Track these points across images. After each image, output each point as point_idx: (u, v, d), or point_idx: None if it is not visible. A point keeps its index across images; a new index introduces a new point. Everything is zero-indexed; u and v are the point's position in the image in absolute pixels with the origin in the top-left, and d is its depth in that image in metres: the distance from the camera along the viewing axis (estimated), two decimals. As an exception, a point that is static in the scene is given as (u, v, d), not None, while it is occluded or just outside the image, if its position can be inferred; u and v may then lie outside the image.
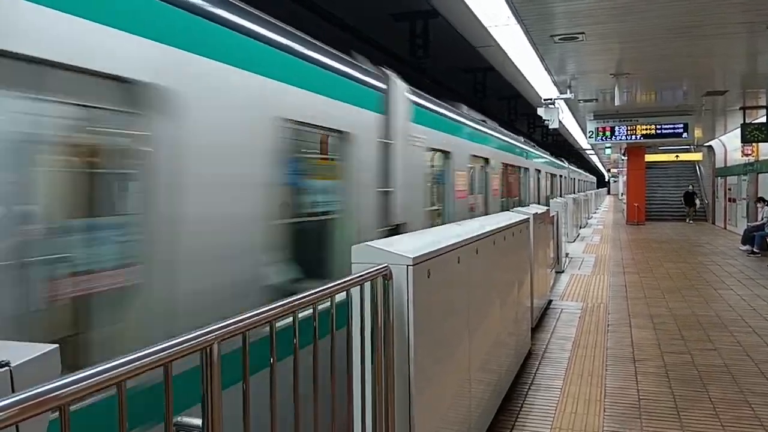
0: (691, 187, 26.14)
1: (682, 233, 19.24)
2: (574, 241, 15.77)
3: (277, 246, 3.21)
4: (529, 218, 5.79)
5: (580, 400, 4.40)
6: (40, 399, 1.00)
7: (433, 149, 6.19)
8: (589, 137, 16.26)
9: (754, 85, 11.60)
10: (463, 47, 8.14)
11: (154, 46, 2.32)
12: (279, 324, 1.73)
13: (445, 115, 6.74)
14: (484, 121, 9.33)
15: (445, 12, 6.73)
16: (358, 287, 2.27)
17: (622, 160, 28.67)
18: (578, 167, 36.65)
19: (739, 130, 15.06)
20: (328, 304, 2.04)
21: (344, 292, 2.16)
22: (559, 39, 7.62)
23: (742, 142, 15.74)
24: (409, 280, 2.45)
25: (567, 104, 13.15)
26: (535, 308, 6.16)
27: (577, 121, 17.48)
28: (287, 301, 1.78)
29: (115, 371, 1.15)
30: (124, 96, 2.25)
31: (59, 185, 2.30)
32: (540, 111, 11.40)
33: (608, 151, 25.11)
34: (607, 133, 15.66)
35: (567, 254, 12.35)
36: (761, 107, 14.32)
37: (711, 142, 23.50)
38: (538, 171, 14.99)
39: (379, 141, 4.51)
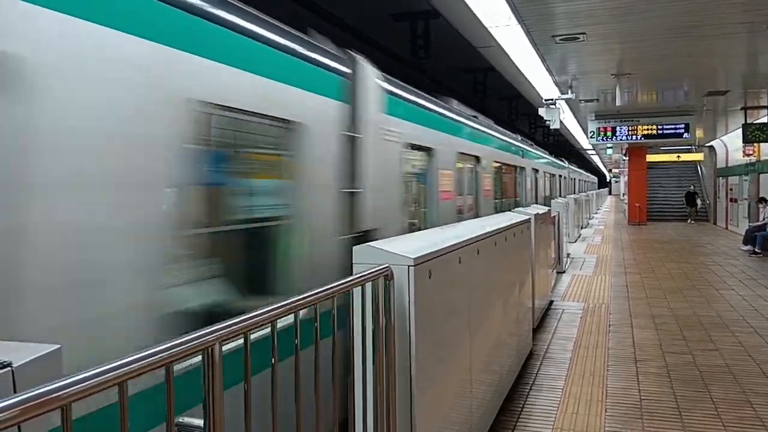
0: (692, 188, 26.10)
1: (684, 233, 19.21)
2: (575, 242, 15.76)
3: (189, 261, 2.65)
4: (530, 218, 5.79)
5: (581, 401, 4.40)
6: (42, 399, 1.00)
7: (413, 145, 5.43)
8: (591, 137, 16.27)
9: (755, 85, 11.59)
10: (463, 47, 8.14)
11: None
12: (279, 325, 1.73)
13: (427, 108, 5.97)
14: (475, 116, 8.77)
15: (446, 12, 6.73)
16: (360, 287, 2.28)
17: (624, 160, 28.61)
18: (579, 167, 36.57)
19: (740, 130, 15.06)
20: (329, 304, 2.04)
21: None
22: (560, 39, 7.62)
23: (743, 143, 15.74)
24: (410, 280, 2.45)
25: (568, 104, 13.15)
26: (536, 309, 6.15)
27: (578, 122, 17.48)
28: (288, 301, 1.78)
29: (116, 372, 1.15)
30: None
31: None
32: (541, 111, 11.41)
33: (609, 151, 25.11)
34: (609, 134, 15.68)
35: (568, 254, 12.35)
36: (762, 107, 14.32)
37: (712, 142, 23.49)
38: (536, 171, 14.66)
39: (342, 134, 3.86)
